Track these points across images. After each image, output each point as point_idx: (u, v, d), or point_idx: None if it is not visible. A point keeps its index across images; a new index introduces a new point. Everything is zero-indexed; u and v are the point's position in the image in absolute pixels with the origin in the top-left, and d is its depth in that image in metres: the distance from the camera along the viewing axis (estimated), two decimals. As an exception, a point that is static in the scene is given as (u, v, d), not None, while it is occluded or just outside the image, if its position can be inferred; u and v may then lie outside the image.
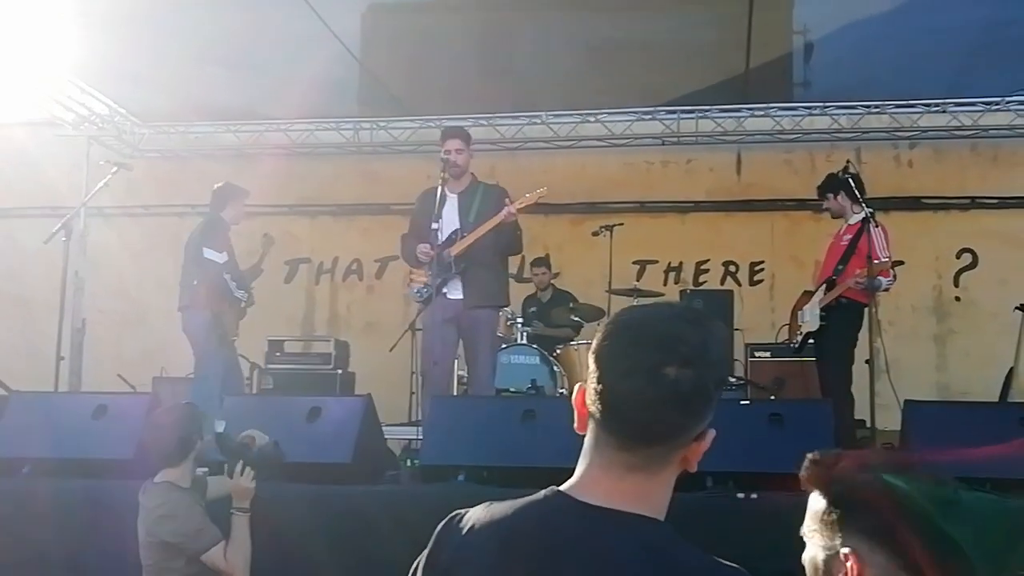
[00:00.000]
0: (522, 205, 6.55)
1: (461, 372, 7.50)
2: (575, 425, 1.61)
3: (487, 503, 1.64)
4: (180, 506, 4.43)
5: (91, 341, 9.41)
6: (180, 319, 7.27)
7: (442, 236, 6.57)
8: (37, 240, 7.99)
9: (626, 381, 1.49)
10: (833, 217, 7.41)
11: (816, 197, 7.58)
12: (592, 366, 1.54)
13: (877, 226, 6.88)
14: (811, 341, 7.24)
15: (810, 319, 7.17)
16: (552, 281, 9.73)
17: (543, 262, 9.76)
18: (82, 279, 9.37)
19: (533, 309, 9.37)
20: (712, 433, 1.55)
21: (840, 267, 7.07)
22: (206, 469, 4.97)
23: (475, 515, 1.63)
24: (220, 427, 4.60)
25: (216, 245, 7.23)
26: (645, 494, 1.53)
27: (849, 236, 7.12)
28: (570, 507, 1.53)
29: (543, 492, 1.59)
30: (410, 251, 6.76)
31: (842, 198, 7.22)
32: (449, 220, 6.64)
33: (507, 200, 6.52)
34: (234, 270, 7.41)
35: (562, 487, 1.58)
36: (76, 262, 8.62)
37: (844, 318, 6.98)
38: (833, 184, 7.25)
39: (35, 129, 10.24)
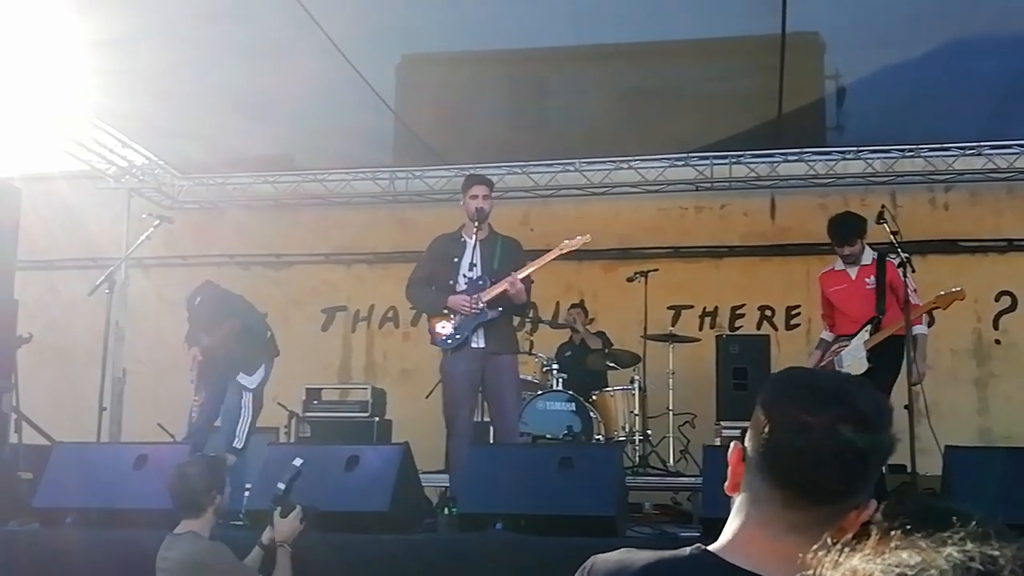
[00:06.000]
0: (567, 250, 6.69)
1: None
2: (726, 486, 1.59)
3: (625, 550, 1.60)
4: (211, 554, 4.56)
5: (130, 391, 9.50)
6: None
7: (463, 283, 6.61)
8: (78, 291, 8.10)
9: (803, 436, 1.48)
10: (848, 263, 7.23)
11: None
12: (762, 420, 1.53)
13: (900, 265, 6.80)
14: None
15: (853, 362, 7.03)
16: (587, 326, 9.72)
17: (579, 306, 9.86)
18: (122, 329, 9.48)
19: (568, 353, 9.36)
20: (873, 504, 1.49)
21: (880, 305, 7.03)
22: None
23: (612, 564, 1.59)
24: (299, 462, 4.92)
25: None
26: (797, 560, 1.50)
27: (872, 277, 7.10)
28: (719, 570, 1.50)
29: (688, 549, 1.55)
30: (430, 299, 6.71)
31: (862, 242, 7.20)
32: (470, 267, 6.65)
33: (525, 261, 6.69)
34: None
35: (711, 546, 1.55)
36: (117, 313, 8.73)
37: (891, 353, 6.91)
38: (861, 227, 7.19)
39: (77, 182, 10.42)
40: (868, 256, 7.17)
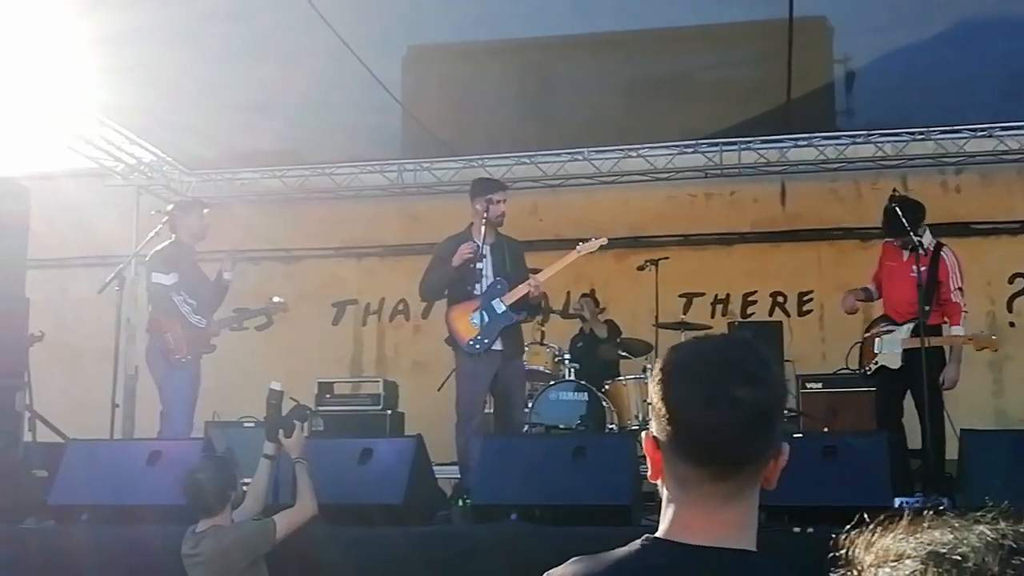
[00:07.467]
0: (585, 253, 6.91)
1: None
2: (649, 475, 1.61)
3: (574, 560, 1.58)
4: (235, 538, 4.68)
5: (142, 387, 9.49)
6: None
7: (482, 287, 6.67)
8: (88, 290, 8.10)
9: (707, 411, 1.49)
10: (905, 247, 6.91)
11: (864, 226, 7.39)
12: (662, 407, 1.54)
13: (913, 250, 6.64)
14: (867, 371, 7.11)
15: (888, 354, 6.88)
16: (598, 315, 9.69)
17: (589, 295, 9.85)
18: (133, 326, 9.47)
19: (580, 344, 9.35)
20: (787, 448, 1.56)
21: (928, 308, 6.71)
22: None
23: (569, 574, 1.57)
24: (277, 386, 5.28)
25: (162, 268, 7.19)
26: (742, 524, 1.53)
27: (924, 268, 6.73)
28: (675, 552, 1.51)
29: (638, 541, 1.55)
30: (439, 276, 6.84)
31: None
32: (485, 271, 6.75)
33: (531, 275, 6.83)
34: (195, 292, 7.26)
35: (657, 534, 1.56)
36: (127, 310, 8.73)
37: (935, 356, 6.70)
38: (921, 216, 6.89)
39: (85, 180, 10.41)
40: (927, 243, 6.87)
